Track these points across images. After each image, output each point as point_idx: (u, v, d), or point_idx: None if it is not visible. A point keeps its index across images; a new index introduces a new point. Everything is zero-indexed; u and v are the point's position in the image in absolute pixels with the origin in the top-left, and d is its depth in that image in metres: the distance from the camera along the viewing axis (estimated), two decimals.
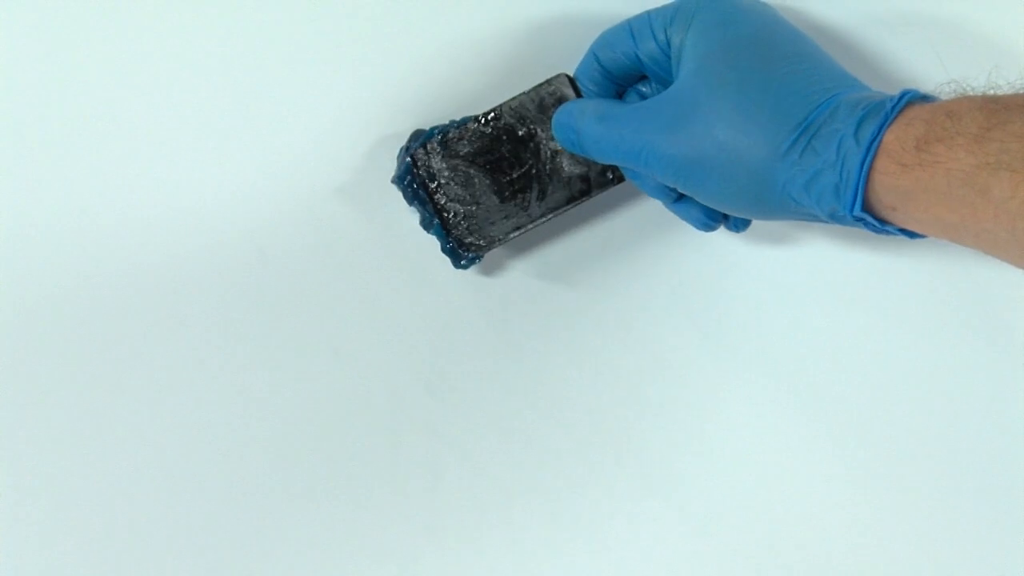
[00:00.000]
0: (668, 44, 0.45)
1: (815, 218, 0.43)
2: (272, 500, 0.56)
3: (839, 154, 0.40)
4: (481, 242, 0.52)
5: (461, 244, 0.52)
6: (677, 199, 0.49)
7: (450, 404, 0.56)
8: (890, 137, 0.39)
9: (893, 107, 0.39)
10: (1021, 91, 0.39)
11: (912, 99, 0.40)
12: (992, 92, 0.40)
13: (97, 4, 0.54)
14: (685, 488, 0.56)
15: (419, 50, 0.54)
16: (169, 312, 0.55)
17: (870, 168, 0.39)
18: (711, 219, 0.49)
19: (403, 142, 0.54)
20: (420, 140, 0.52)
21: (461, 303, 0.56)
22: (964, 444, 0.56)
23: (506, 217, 0.51)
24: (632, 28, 0.47)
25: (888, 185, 0.39)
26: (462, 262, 0.52)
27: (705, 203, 0.46)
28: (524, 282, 0.56)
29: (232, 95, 0.55)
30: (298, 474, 0.56)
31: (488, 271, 0.56)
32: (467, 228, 0.51)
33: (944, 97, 0.41)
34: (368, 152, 0.55)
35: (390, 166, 0.54)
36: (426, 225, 0.54)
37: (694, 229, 0.50)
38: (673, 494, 0.56)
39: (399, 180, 0.54)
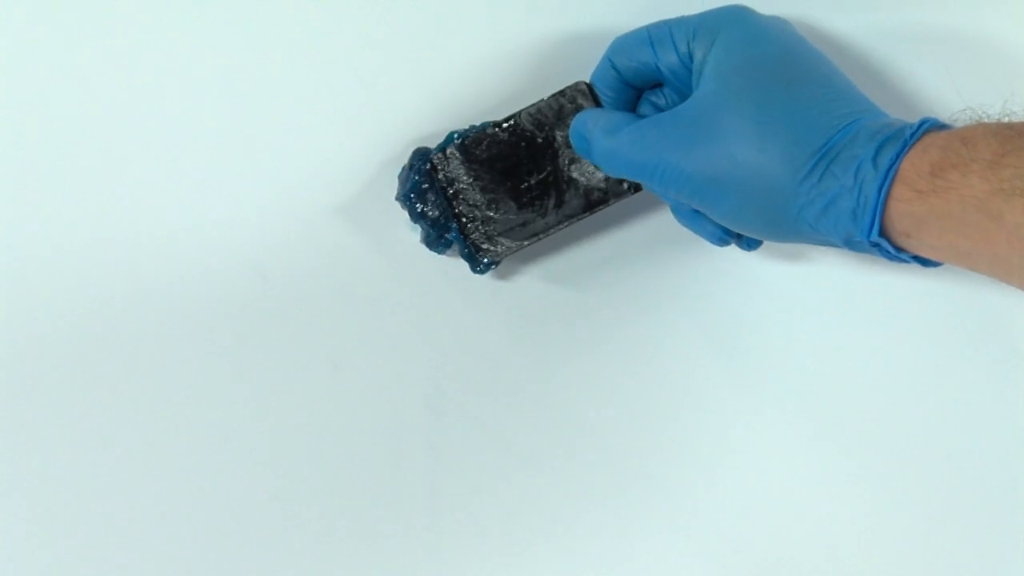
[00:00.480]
0: (690, 56, 0.45)
1: (829, 243, 0.43)
2: (272, 516, 0.55)
3: (857, 179, 0.40)
4: (498, 248, 0.51)
5: (478, 249, 0.52)
6: (691, 213, 0.49)
7: (451, 421, 0.56)
8: (906, 164, 0.39)
9: (912, 134, 0.40)
10: None
11: (930, 127, 0.40)
12: (1008, 119, 0.40)
13: (100, 25, 0.53)
14: (696, 510, 0.56)
15: (423, 68, 0.54)
16: (170, 331, 0.54)
17: (887, 194, 0.39)
18: (725, 234, 0.49)
19: (406, 160, 0.53)
20: (440, 145, 0.52)
21: (462, 321, 0.55)
22: (979, 464, 0.56)
23: (523, 224, 0.51)
24: (651, 37, 0.46)
25: (903, 212, 0.39)
26: (479, 267, 0.52)
27: (719, 221, 0.46)
28: (527, 300, 0.56)
29: (234, 114, 0.54)
30: (298, 489, 0.55)
31: (491, 288, 0.56)
32: (484, 233, 0.51)
33: (960, 124, 0.41)
34: (371, 170, 0.54)
35: (393, 184, 0.54)
36: (430, 243, 0.54)
37: (707, 243, 0.50)
38: (683, 516, 0.56)
39: (403, 198, 0.53)
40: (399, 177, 0.54)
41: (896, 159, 0.39)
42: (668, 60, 0.46)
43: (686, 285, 0.56)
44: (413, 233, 0.54)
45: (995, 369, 0.56)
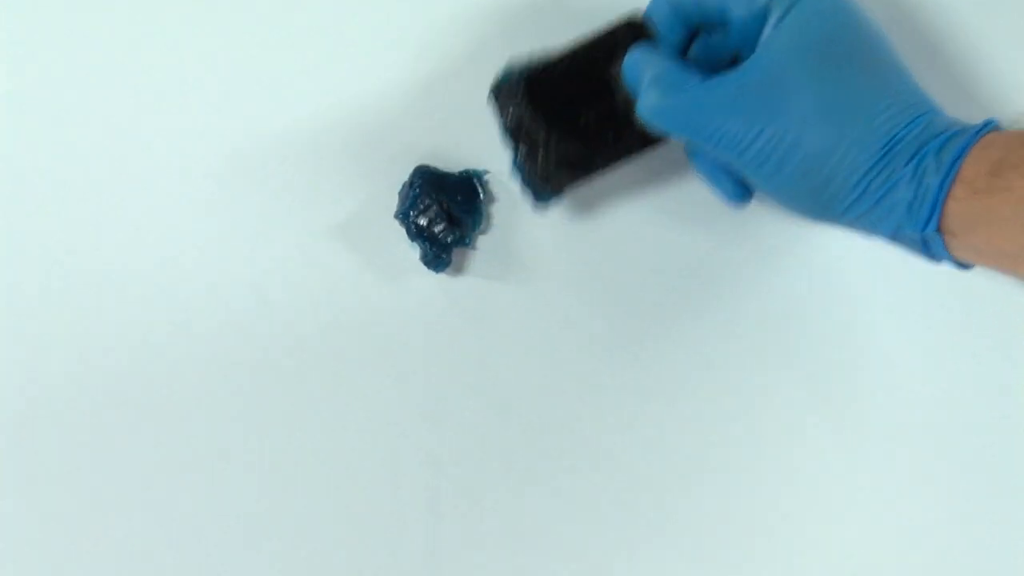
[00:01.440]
0: (764, 12, 0.42)
1: (869, 232, 0.42)
2: (271, 527, 0.55)
3: (916, 173, 0.39)
4: (557, 181, 0.50)
5: (539, 183, 0.50)
6: (712, 165, 0.46)
7: (451, 438, 0.55)
8: (968, 162, 0.39)
9: (976, 132, 0.39)
10: None
11: (994, 127, 0.40)
12: None
13: (100, 41, 0.54)
14: (699, 526, 0.55)
15: (424, 85, 0.54)
16: (169, 350, 0.54)
17: (947, 192, 0.39)
18: (745, 195, 0.46)
19: (405, 178, 0.54)
20: (500, 79, 0.50)
21: (462, 340, 0.55)
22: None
23: (583, 157, 0.50)
24: None
25: (956, 211, 0.39)
26: (542, 198, 0.51)
27: (762, 190, 0.44)
28: (529, 319, 0.55)
29: (234, 130, 0.55)
30: (296, 504, 0.55)
31: (492, 306, 0.55)
32: (544, 166, 0.49)
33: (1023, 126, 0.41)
34: (369, 188, 0.55)
35: (391, 202, 0.54)
36: (428, 261, 0.54)
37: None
38: (687, 533, 0.55)
39: (403, 216, 0.53)
40: (399, 194, 0.54)
41: (960, 155, 0.39)
42: (740, 10, 0.43)
43: (691, 295, 0.55)
44: (413, 251, 0.54)
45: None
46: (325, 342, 0.55)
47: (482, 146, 0.54)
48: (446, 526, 0.55)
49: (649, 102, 0.44)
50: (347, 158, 0.54)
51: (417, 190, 0.53)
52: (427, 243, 0.53)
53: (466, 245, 0.54)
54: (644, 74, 0.44)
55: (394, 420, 0.55)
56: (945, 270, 0.42)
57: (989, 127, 0.40)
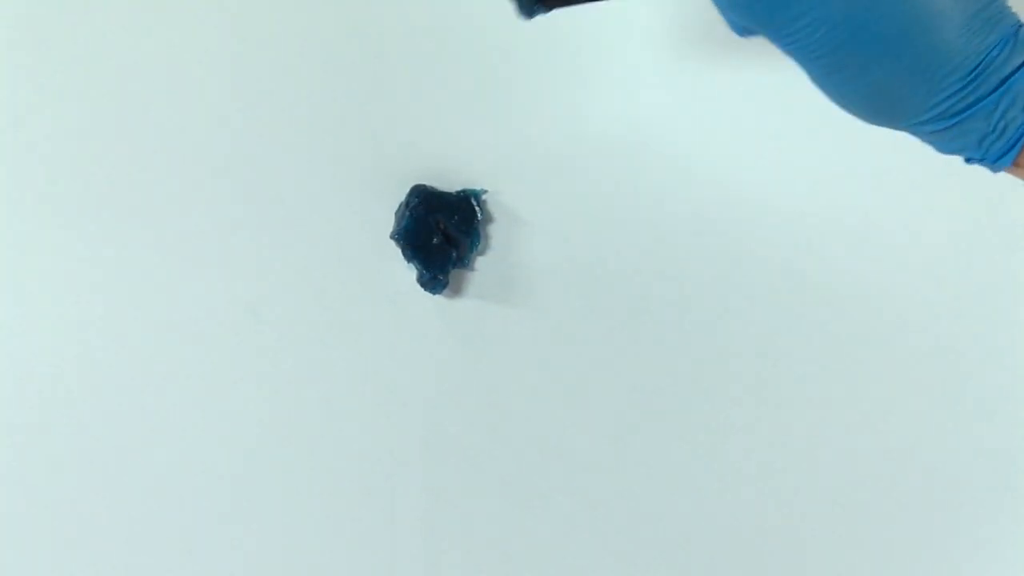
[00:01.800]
0: None
1: (931, 143, 0.39)
2: (259, 544, 0.54)
3: (1000, 105, 0.37)
4: None
5: None
6: None
7: (447, 459, 0.54)
8: None
9: None
10: None
11: None
12: None
13: (101, 72, 0.54)
14: (702, 550, 0.54)
15: (415, 107, 0.54)
16: (159, 366, 0.54)
17: None
18: (746, 32, 0.40)
19: (401, 198, 0.53)
20: None
21: (459, 363, 0.55)
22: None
23: None
24: None
25: None
26: (531, 11, 0.43)
27: (839, 92, 0.39)
28: (523, 338, 0.55)
29: (231, 148, 0.54)
30: (291, 529, 0.54)
31: (489, 330, 0.55)
32: None
33: None
34: (365, 208, 0.54)
35: (387, 222, 0.53)
36: (424, 283, 0.53)
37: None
38: (689, 548, 0.54)
39: (398, 236, 0.53)
40: (396, 214, 0.53)
41: None
42: None
43: (690, 317, 0.55)
44: (409, 272, 0.53)
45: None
46: (319, 363, 0.54)
47: (480, 166, 0.53)
48: (442, 544, 0.54)
49: None
50: (343, 177, 0.54)
51: (414, 210, 0.53)
52: (424, 264, 0.53)
53: (464, 266, 0.54)
54: None
55: (390, 442, 0.54)
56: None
57: None
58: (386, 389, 0.54)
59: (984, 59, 0.37)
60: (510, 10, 0.43)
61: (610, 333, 0.55)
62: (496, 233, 0.54)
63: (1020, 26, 0.37)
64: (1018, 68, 0.37)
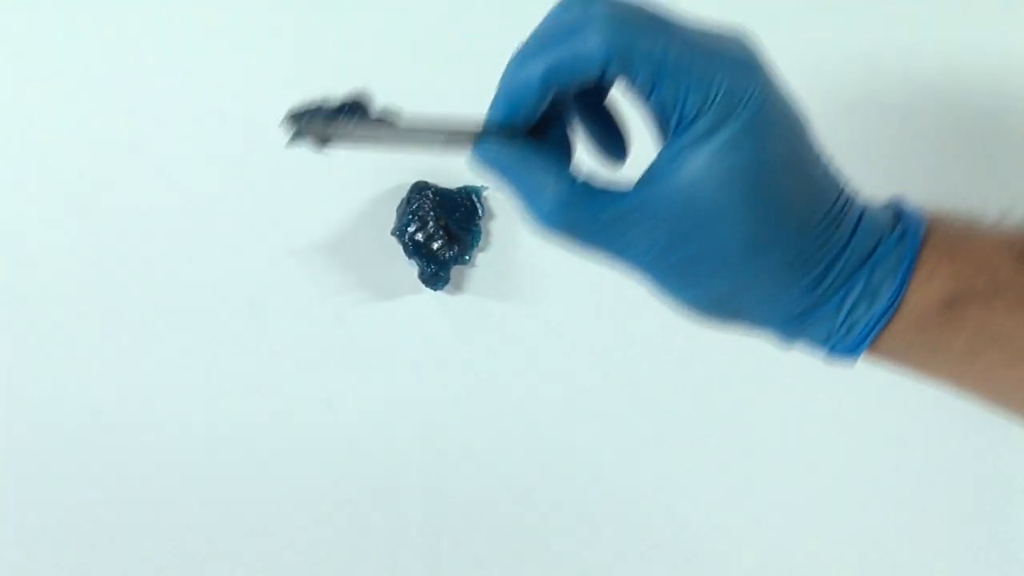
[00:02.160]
0: (674, 103, 0.33)
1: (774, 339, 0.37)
2: (267, 548, 0.54)
3: (845, 304, 0.34)
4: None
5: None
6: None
7: (449, 458, 0.55)
8: (913, 295, 0.34)
9: (911, 258, 0.34)
10: None
11: (923, 230, 0.35)
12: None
13: (92, 54, 0.54)
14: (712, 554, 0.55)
15: (418, 104, 0.54)
16: (157, 360, 0.54)
17: (882, 328, 0.34)
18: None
19: (403, 195, 0.53)
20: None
21: (460, 359, 0.55)
22: None
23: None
24: (610, 55, 0.33)
25: (890, 346, 0.35)
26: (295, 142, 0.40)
27: (679, 300, 0.36)
28: (524, 334, 0.55)
29: (227, 148, 0.54)
30: (290, 527, 0.54)
31: (488, 322, 0.55)
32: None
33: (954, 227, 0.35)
34: (366, 204, 0.54)
35: (389, 219, 0.54)
36: (426, 279, 0.53)
37: None
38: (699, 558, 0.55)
39: (399, 232, 0.53)
40: (397, 210, 0.53)
41: (898, 294, 0.34)
42: (660, 98, 0.33)
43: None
44: (410, 269, 0.54)
45: None
46: (320, 360, 0.54)
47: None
48: (442, 541, 0.54)
49: (545, 208, 0.35)
50: (344, 173, 0.54)
51: (415, 206, 0.53)
52: (425, 260, 0.53)
53: (465, 263, 0.54)
54: (525, 192, 0.35)
55: (390, 439, 0.54)
56: None
57: (918, 234, 0.35)
58: (387, 385, 0.54)
59: (827, 263, 0.34)
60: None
61: (610, 329, 0.55)
62: (497, 229, 0.54)
63: (864, 210, 0.35)
64: (864, 261, 0.34)
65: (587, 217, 0.35)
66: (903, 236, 0.35)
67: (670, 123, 0.33)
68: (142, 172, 0.54)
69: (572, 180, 0.35)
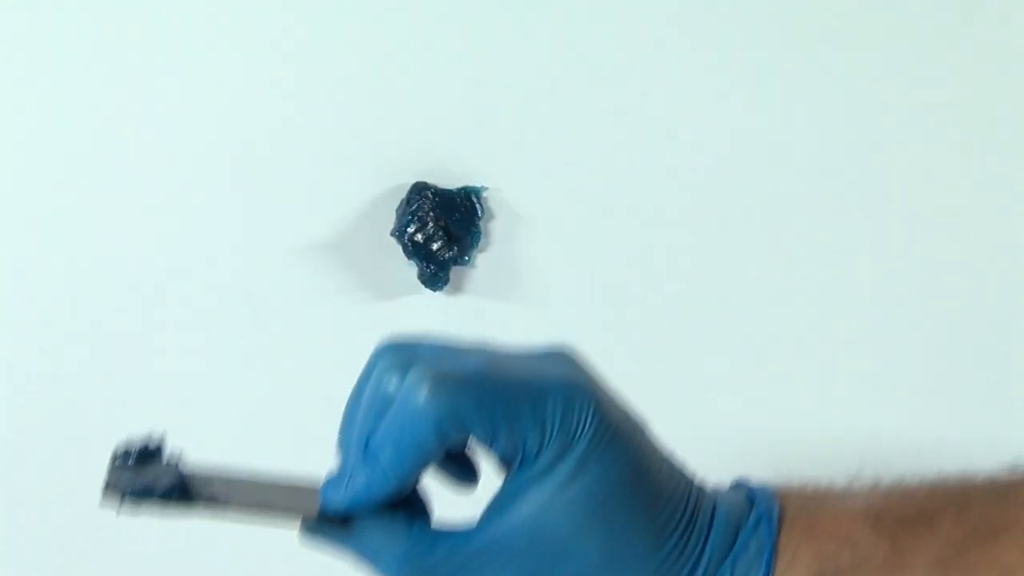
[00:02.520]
0: (515, 444, 0.33)
1: None
2: (267, 547, 0.54)
3: None
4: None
5: None
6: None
7: None
8: None
9: (772, 545, 0.34)
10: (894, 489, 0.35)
11: (776, 511, 0.35)
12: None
13: (97, 55, 0.54)
14: None
15: (416, 105, 0.54)
16: (159, 363, 0.54)
17: None
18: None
19: (403, 195, 0.53)
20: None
21: None
22: None
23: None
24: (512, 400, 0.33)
25: None
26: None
27: None
28: (524, 335, 0.54)
29: (228, 149, 0.54)
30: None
31: (487, 323, 0.55)
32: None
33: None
34: (366, 204, 0.54)
35: (388, 219, 0.54)
36: (426, 280, 0.53)
37: None
38: None
39: (399, 233, 0.53)
40: (396, 211, 0.53)
41: None
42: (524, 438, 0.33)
43: (691, 312, 0.55)
44: (410, 269, 0.54)
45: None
46: (319, 360, 0.54)
47: (481, 163, 0.53)
48: None
49: (392, 568, 0.34)
50: (345, 174, 0.54)
51: (415, 207, 0.53)
52: (425, 261, 0.53)
53: (464, 263, 0.54)
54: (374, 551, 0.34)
55: None
56: None
57: (772, 523, 0.34)
58: None
59: (689, 569, 0.34)
60: None
61: (610, 328, 0.55)
62: (497, 230, 0.55)
63: (715, 503, 0.35)
64: (724, 557, 0.34)
65: (438, 565, 0.34)
66: (758, 523, 0.35)
67: (513, 462, 0.34)
68: (142, 172, 0.54)
69: (412, 537, 0.34)
